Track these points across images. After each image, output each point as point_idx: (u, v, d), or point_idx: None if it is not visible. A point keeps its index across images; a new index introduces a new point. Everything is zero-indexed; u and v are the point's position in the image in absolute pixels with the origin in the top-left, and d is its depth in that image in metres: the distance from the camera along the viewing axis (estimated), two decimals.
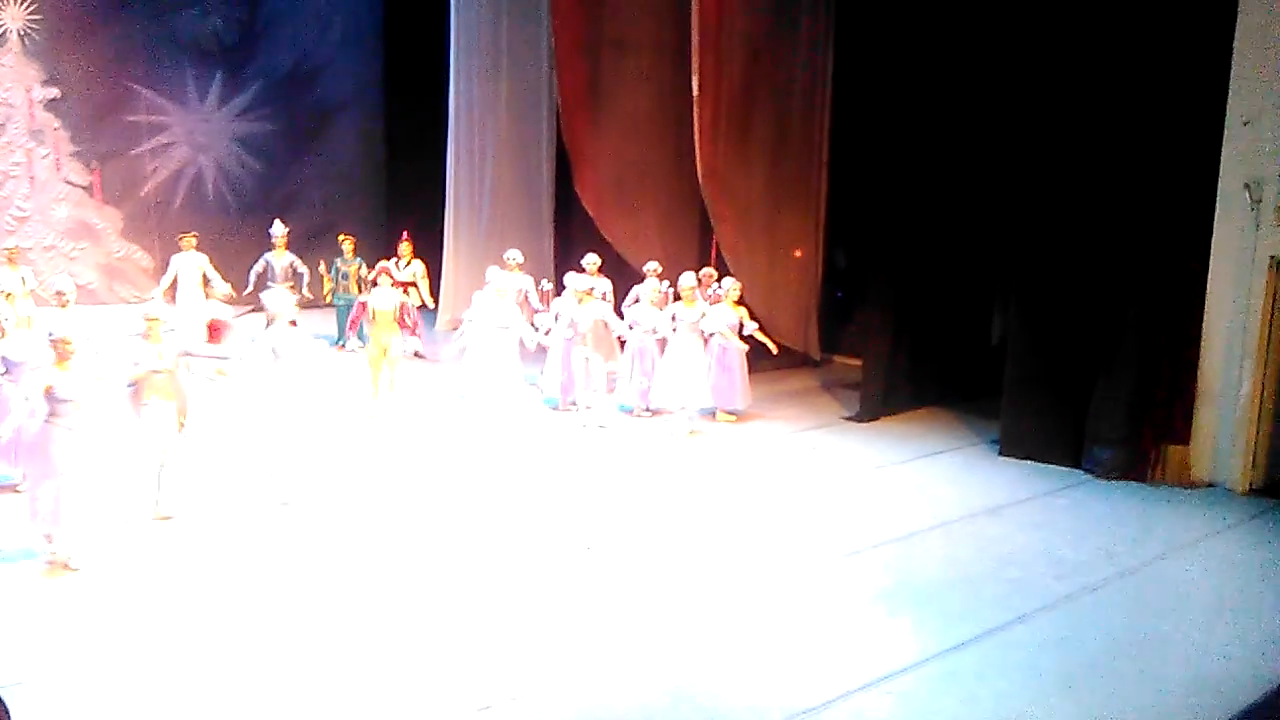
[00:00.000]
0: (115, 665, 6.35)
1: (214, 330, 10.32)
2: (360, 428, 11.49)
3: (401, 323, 14.65)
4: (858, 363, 13.49)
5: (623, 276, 13.47)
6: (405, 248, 15.00)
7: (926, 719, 6.07)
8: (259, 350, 9.62)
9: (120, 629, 6.82)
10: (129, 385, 8.55)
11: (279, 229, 15.21)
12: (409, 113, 18.52)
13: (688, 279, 11.92)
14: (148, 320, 8.77)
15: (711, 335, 11.95)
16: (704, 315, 11.87)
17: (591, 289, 12.20)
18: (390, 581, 7.66)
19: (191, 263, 14.67)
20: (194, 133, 18.57)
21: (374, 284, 12.29)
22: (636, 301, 12.54)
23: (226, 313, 10.43)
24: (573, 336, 11.98)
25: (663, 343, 12.14)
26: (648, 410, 12.20)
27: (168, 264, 14.94)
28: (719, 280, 12.53)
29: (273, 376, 9.47)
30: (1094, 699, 6.35)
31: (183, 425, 8.83)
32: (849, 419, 12.55)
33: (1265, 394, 10.09)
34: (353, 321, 13.36)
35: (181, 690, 6.11)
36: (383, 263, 13.01)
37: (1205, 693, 6.44)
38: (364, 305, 12.32)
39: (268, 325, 10.14)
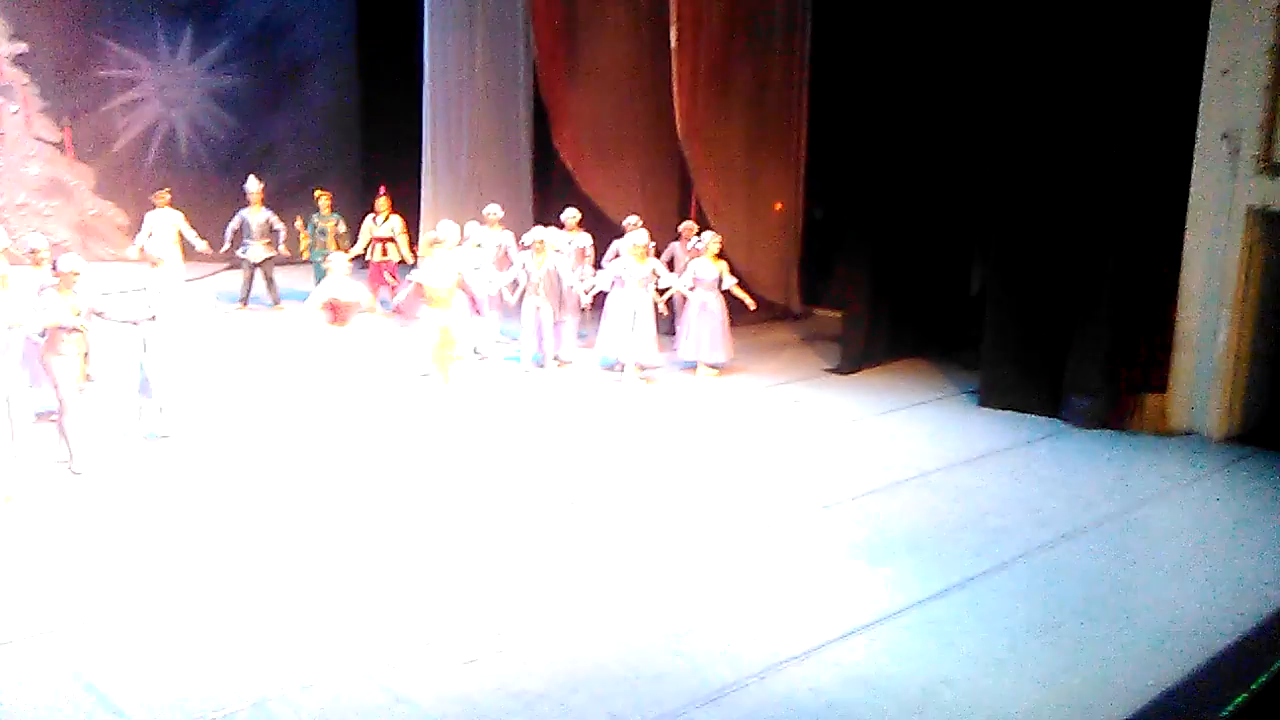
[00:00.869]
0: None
1: (336, 310, 9.82)
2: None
3: (387, 280, 14.65)
4: (838, 315, 13.52)
5: (603, 230, 13.42)
6: (383, 203, 14.84)
7: (905, 666, 6.14)
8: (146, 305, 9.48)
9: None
10: (40, 335, 8.54)
11: (254, 185, 15.05)
12: (384, 65, 18.29)
13: (640, 236, 11.89)
14: (61, 274, 8.69)
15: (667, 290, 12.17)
16: (655, 272, 11.99)
17: (543, 241, 12.17)
18: (372, 536, 7.67)
19: (167, 220, 14.55)
20: (165, 88, 18.34)
21: (409, 253, 11.67)
22: (617, 256, 12.50)
23: (351, 292, 9.85)
24: (525, 287, 12.10)
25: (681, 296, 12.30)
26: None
27: (142, 221, 14.81)
28: (699, 234, 12.51)
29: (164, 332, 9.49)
30: (1071, 645, 6.44)
31: (87, 379, 8.87)
32: (830, 371, 12.61)
33: (1241, 343, 10.17)
34: (398, 309, 11.45)
35: (166, 642, 6.13)
36: (432, 233, 11.99)
37: (1181, 637, 6.54)
38: (416, 289, 10.76)
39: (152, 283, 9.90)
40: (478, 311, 11.70)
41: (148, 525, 7.81)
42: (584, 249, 13.27)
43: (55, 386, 8.60)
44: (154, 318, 9.39)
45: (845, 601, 6.89)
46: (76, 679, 5.75)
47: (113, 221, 17.97)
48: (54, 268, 9.01)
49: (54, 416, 8.94)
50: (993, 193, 11.31)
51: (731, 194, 14.06)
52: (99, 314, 8.99)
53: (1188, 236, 10.24)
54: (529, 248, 12.30)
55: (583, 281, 12.63)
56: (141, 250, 14.38)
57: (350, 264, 10.63)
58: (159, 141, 18.37)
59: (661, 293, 12.00)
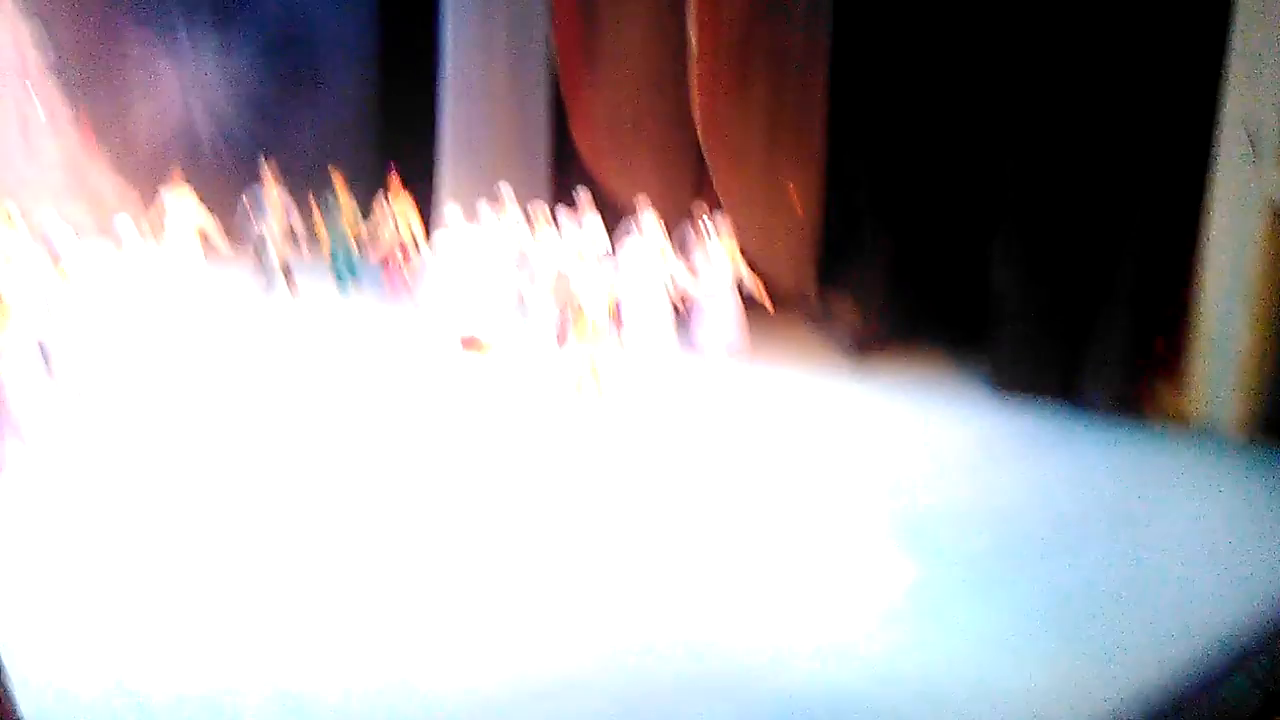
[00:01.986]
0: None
1: (469, 344, 9.62)
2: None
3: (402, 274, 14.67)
4: (853, 301, 13.46)
5: (615, 217, 13.38)
6: (395, 183, 14.85)
7: (916, 656, 6.15)
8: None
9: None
10: None
11: (268, 166, 15.03)
12: (402, 49, 18.22)
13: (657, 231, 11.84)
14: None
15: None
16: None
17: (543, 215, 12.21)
18: (390, 527, 7.71)
19: (181, 200, 14.54)
20: (183, 69, 18.28)
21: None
22: (629, 240, 12.45)
23: (485, 328, 9.70)
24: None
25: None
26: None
27: (157, 204, 14.80)
28: (710, 217, 12.46)
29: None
30: (1082, 636, 6.44)
31: None
32: (843, 356, 12.56)
33: (1260, 336, 10.09)
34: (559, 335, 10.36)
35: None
36: (582, 239, 11.58)
37: (1196, 632, 6.51)
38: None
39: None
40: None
41: (166, 514, 7.85)
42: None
43: None
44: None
45: (856, 591, 6.90)
46: (93, 664, 5.80)
47: (128, 204, 17.97)
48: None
49: None
50: (1012, 180, 11.23)
51: (747, 181, 13.97)
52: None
53: (1208, 226, 10.17)
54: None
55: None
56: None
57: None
58: (174, 122, 18.34)
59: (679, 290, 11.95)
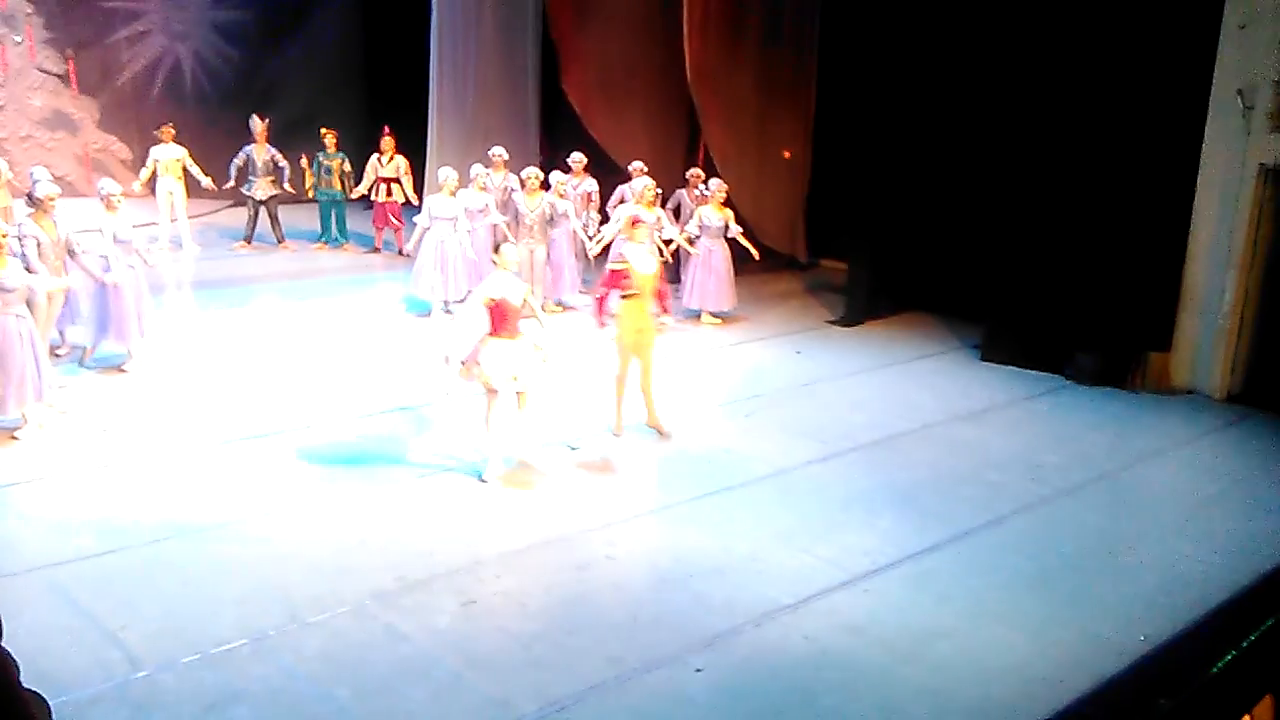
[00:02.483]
0: None
1: (501, 315, 7.66)
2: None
3: (392, 221, 14.61)
4: (844, 266, 13.48)
5: (609, 175, 13.34)
6: (388, 143, 14.78)
7: (899, 617, 6.19)
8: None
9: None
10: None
11: (258, 123, 14.94)
12: (391, 2, 18.06)
13: (646, 183, 11.76)
14: (38, 200, 8.91)
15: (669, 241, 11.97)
16: (659, 221, 11.80)
17: (536, 176, 12.17)
18: (374, 476, 7.72)
19: (171, 155, 14.48)
20: (170, 20, 18.16)
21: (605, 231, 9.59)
22: (623, 201, 12.43)
23: (517, 293, 7.60)
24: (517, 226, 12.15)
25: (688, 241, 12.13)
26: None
27: (146, 155, 14.74)
28: (706, 181, 12.44)
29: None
30: (1065, 599, 6.49)
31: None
32: (833, 323, 12.59)
33: (1247, 303, 10.13)
34: (600, 302, 8.87)
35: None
36: (629, 210, 10.96)
37: (1176, 593, 6.58)
38: (617, 274, 8.58)
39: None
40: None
41: (146, 461, 7.85)
42: (590, 194, 13.21)
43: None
44: (109, 269, 9.40)
45: (841, 551, 6.93)
46: (76, 610, 5.82)
47: (117, 156, 17.88)
48: (29, 197, 9.06)
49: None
50: (1002, 146, 11.21)
51: (740, 141, 13.95)
52: (71, 252, 9.06)
53: (1198, 194, 10.17)
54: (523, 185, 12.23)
55: (588, 228, 12.59)
56: (144, 184, 14.39)
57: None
58: (164, 75, 18.22)
59: (667, 243, 11.91)
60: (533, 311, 7.88)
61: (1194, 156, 10.12)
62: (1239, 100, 9.81)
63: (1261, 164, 9.82)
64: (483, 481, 7.64)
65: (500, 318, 7.62)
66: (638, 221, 8.97)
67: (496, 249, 8.13)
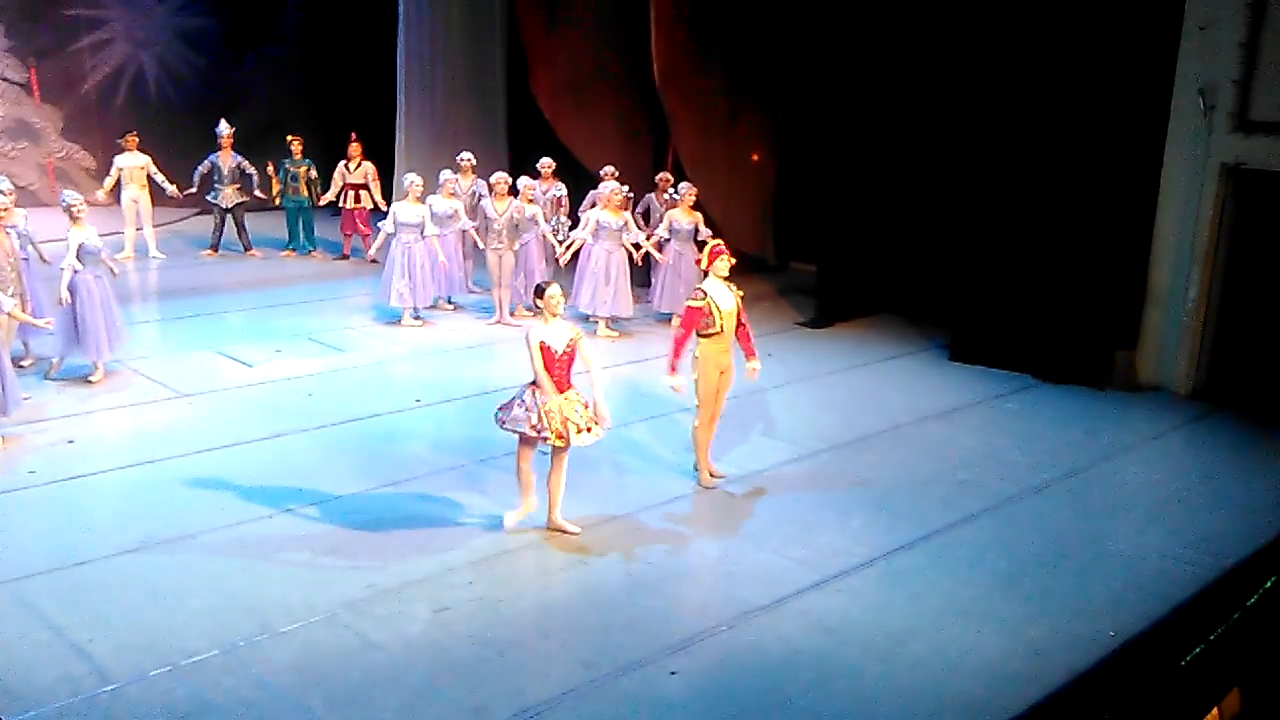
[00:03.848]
0: None
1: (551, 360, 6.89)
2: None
3: (360, 228, 14.55)
4: (814, 269, 13.52)
5: (579, 180, 13.33)
6: (355, 149, 14.71)
7: (872, 616, 6.22)
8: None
9: None
10: None
11: (224, 129, 14.83)
12: (357, 7, 17.96)
13: (615, 188, 11.77)
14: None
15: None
16: (628, 225, 11.82)
17: (503, 180, 12.08)
18: (343, 483, 7.67)
19: (135, 163, 14.35)
20: (134, 28, 17.97)
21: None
22: (592, 206, 12.42)
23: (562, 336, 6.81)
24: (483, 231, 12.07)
25: (657, 245, 12.08)
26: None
27: (110, 164, 14.61)
28: (675, 185, 12.46)
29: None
30: (1035, 595, 6.54)
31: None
32: (804, 324, 12.63)
33: (1211, 300, 10.26)
34: (679, 344, 7.85)
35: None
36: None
37: (1144, 588, 6.65)
38: (696, 312, 7.75)
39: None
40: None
41: (113, 472, 7.78)
42: (560, 198, 13.20)
43: None
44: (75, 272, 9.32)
45: (814, 552, 6.96)
46: (43, 624, 5.75)
47: (80, 164, 17.70)
48: None
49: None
50: (968, 147, 11.29)
51: (709, 144, 13.97)
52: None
53: (1161, 193, 10.29)
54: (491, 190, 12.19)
55: (557, 234, 12.57)
56: (107, 193, 14.26)
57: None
58: (127, 83, 18.03)
59: (636, 247, 11.92)
60: (587, 362, 6.96)
61: (1157, 156, 10.25)
62: (1200, 101, 9.94)
63: (1223, 163, 9.95)
64: (502, 529, 7.07)
65: (546, 364, 6.81)
66: (718, 253, 7.88)
67: (540, 293, 6.99)
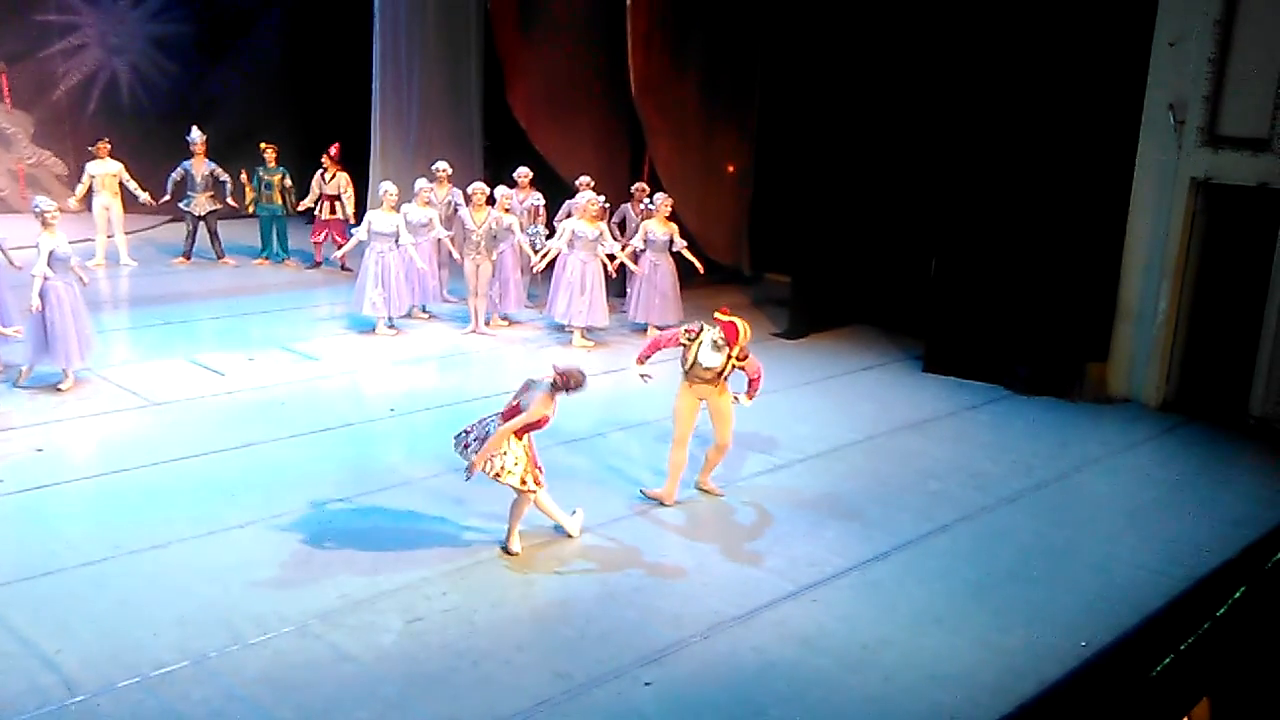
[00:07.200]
0: None
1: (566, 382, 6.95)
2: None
3: (336, 239, 14.46)
4: (788, 280, 13.56)
5: (555, 189, 13.32)
6: (329, 159, 14.60)
7: (846, 626, 6.23)
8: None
9: None
10: None
11: (197, 136, 14.73)
12: (332, 15, 17.92)
13: (591, 198, 11.78)
14: None
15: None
16: (604, 235, 11.82)
17: (481, 191, 12.02)
18: (316, 494, 7.62)
19: (107, 170, 14.24)
20: (107, 34, 17.85)
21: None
22: (568, 215, 12.42)
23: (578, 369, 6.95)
24: (463, 239, 12.04)
25: (632, 256, 12.08)
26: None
27: (82, 171, 14.49)
28: (651, 195, 12.48)
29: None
30: (1008, 606, 6.57)
31: None
32: (778, 335, 12.66)
33: (1181, 313, 10.36)
34: (654, 342, 8.04)
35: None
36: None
37: (1115, 599, 6.70)
38: (675, 338, 7.73)
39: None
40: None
41: (82, 481, 7.70)
42: (536, 208, 13.18)
43: None
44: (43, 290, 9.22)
45: (788, 562, 6.97)
46: (10, 634, 5.68)
47: (51, 171, 17.55)
48: None
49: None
50: (942, 160, 11.37)
51: (685, 154, 13.99)
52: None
53: (1132, 207, 10.39)
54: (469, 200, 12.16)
55: (534, 243, 12.56)
56: (79, 200, 14.14)
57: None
58: (100, 89, 17.89)
59: (611, 258, 11.91)
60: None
61: (1128, 170, 10.35)
62: (1170, 115, 10.05)
63: (1193, 177, 10.06)
64: (505, 551, 6.96)
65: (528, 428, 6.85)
66: (732, 341, 7.53)
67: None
